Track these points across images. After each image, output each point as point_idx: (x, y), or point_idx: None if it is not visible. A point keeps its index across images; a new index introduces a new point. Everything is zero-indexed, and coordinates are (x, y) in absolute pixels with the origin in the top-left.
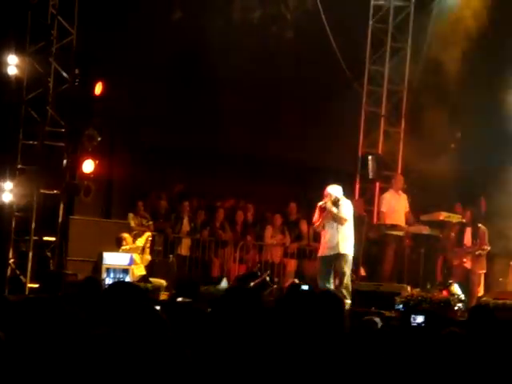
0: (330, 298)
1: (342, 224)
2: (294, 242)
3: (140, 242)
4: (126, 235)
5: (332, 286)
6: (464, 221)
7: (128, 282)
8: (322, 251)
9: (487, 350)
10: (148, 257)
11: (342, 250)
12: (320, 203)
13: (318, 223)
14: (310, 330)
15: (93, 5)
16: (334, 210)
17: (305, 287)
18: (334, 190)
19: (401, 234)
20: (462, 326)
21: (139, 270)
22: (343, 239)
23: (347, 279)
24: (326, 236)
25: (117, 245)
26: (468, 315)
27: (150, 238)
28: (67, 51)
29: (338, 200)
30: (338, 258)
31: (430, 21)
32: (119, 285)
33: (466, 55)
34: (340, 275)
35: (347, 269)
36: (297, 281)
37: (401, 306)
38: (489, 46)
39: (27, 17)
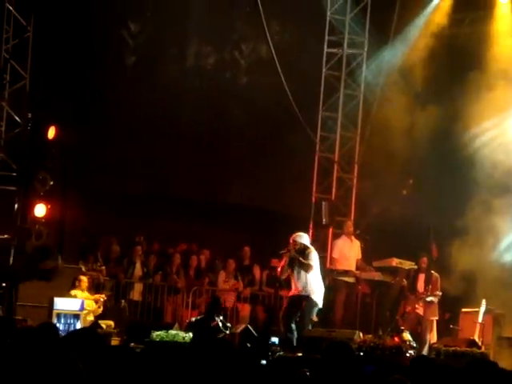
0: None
1: (307, 272)
2: (247, 287)
3: (91, 305)
4: (83, 277)
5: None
6: (416, 267)
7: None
8: (292, 292)
9: None
10: (99, 310)
11: (311, 294)
12: (282, 251)
13: (280, 269)
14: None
15: (46, 49)
16: (301, 258)
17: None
18: (301, 238)
19: (351, 280)
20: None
21: (89, 316)
22: (312, 284)
23: (307, 324)
24: (294, 281)
25: (72, 285)
26: (410, 364)
27: (104, 299)
28: (20, 95)
29: (306, 249)
30: (307, 299)
31: (382, 68)
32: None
33: (418, 101)
34: (302, 318)
35: (310, 314)
36: (249, 326)
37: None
38: (439, 93)
39: None
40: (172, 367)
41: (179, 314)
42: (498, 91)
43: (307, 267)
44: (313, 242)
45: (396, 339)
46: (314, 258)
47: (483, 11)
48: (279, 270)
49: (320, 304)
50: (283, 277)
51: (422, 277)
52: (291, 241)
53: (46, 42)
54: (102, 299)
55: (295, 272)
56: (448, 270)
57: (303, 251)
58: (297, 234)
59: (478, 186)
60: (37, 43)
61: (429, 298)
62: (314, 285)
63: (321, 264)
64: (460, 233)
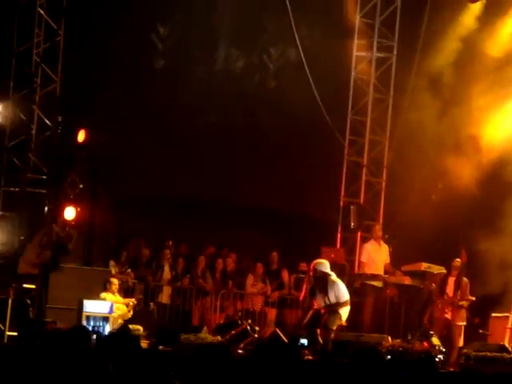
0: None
1: (329, 297)
2: (275, 291)
3: (122, 308)
4: (114, 280)
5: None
6: (445, 271)
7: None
8: (317, 307)
9: None
10: (129, 314)
11: (335, 310)
12: (302, 274)
13: (302, 297)
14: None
15: (76, 53)
16: (322, 303)
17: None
18: (321, 266)
19: (380, 284)
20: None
21: (119, 319)
22: (335, 305)
23: (331, 330)
24: (317, 303)
25: (103, 287)
26: None
27: (134, 304)
28: (51, 99)
29: (326, 276)
30: (330, 313)
31: (411, 72)
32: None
33: (447, 105)
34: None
35: (333, 324)
36: (277, 330)
37: (389, 356)
38: (467, 97)
39: (11, 64)
40: (199, 370)
41: (207, 317)
42: None
43: (328, 294)
44: (341, 246)
45: (425, 344)
46: (334, 286)
47: None
48: (301, 297)
49: (344, 319)
50: (305, 305)
51: (451, 281)
52: (311, 268)
53: (76, 45)
54: (131, 303)
55: (317, 297)
56: (478, 274)
57: (322, 279)
58: (317, 261)
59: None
60: (67, 47)
61: (461, 303)
62: (336, 305)
63: (349, 268)
64: (493, 236)
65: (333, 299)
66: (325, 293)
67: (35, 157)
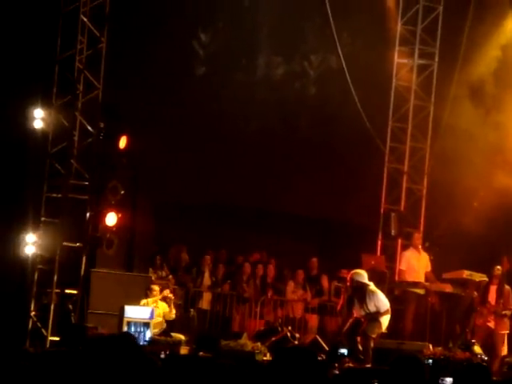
0: None
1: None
2: (315, 298)
3: (162, 307)
4: (154, 287)
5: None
6: (487, 279)
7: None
8: (356, 315)
9: None
10: (172, 315)
11: (375, 319)
12: (340, 284)
13: (339, 308)
14: None
15: (119, 60)
16: (362, 312)
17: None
18: (358, 277)
19: (421, 291)
20: None
21: (162, 323)
22: (373, 313)
23: (371, 338)
24: (356, 312)
25: (144, 294)
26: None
27: (172, 299)
28: (93, 105)
29: (364, 286)
30: (369, 321)
31: (453, 80)
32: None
33: (489, 113)
34: (364, 332)
35: (373, 332)
36: (318, 337)
37: (430, 360)
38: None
39: (54, 71)
40: (239, 376)
41: (247, 323)
42: None
43: (367, 304)
44: (381, 253)
45: (467, 352)
46: (374, 296)
47: None
48: (339, 308)
49: (384, 327)
50: (343, 314)
51: (493, 289)
52: (348, 278)
53: (118, 52)
54: (169, 296)
55: (356, 307)
56: None
57: (360, 289)
58: (354, 271)
59: None
60: (110, 54)
61: (504, 312)
62: (377, 314)
63: (389, 276)
64: None
65: (373, 309)
66: (364, 302)
67: (77, 163)
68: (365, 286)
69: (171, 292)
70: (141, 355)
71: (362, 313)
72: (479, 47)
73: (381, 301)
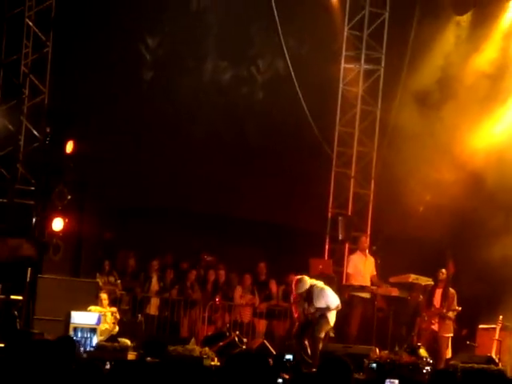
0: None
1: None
2: (263, 302)
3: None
4: (103, 295)
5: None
6: (433, 283)
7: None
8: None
9: None
10: (115, 330)
11: (324, 315)
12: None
13: (297, 317)
14: None
15: (65, 64)
16: (312, 309)
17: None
18: (301, 288)
19: (368, 295)
20: None
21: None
22: (323, 310)
23: (319, 340)
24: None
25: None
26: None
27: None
28: (39, 110)
29: (309, 292)
30: (318, 318)
31: (399, 85)
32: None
33: (433, 120)
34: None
35: (321, 331)
36: (265, 341)
37: (374, 365)
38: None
39: None
40: (187, 382)
41: (196, 328)
42: None
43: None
44: (328, 258)
45: (413, 356)
46: (323, 293)
47: None
48: (296, 316)
49: (332, 323)
50: (301, 320)
51: (438, 292)
52: (293, 291)
53: (64, 56)
54: (116, 315)
55: (306, 307)
56: (465, 286)
57: (308, 295)
58: (295, 283)
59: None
60: (55, 58)
61: (448, 314)
62: (326, 309)
63: (337, 279)
64: (479, 248)
65: (322, 305)
66: (311, 302)
67: (23, 168)
68: (309, 288)
69: (118, 311)
70: (81, 359)
71: (312, 310)
72: (424, 53)
73: (329, 296)
